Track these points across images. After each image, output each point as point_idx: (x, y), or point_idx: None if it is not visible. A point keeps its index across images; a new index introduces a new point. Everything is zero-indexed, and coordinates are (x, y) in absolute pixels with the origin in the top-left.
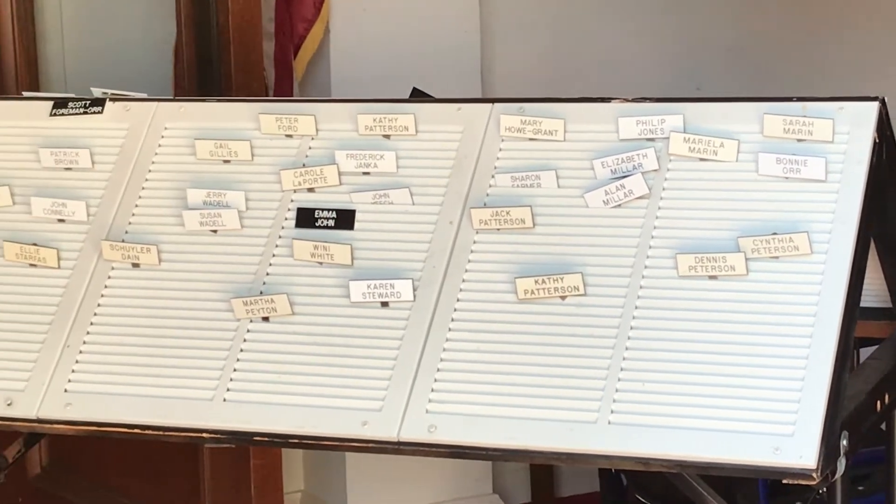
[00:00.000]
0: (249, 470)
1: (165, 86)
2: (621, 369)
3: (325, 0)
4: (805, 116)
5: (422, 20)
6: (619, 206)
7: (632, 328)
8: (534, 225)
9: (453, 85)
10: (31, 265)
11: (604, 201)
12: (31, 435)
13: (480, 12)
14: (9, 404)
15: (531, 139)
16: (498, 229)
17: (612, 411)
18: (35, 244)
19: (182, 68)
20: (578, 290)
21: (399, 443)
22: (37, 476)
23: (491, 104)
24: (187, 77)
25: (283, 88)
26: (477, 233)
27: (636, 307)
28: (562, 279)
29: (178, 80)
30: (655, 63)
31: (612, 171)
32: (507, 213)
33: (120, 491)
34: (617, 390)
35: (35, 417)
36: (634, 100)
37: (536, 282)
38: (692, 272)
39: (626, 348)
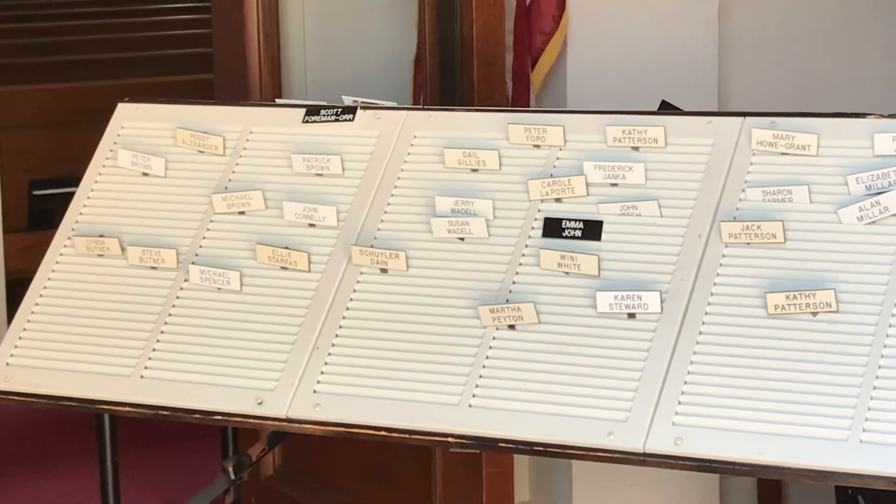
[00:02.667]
0: (482, 478)
1: (402, 96)
2: (874, 387)
3: (564, 13)
4: None
5: (660, 33)
6: (874, 222)
7: (885, 346)
8: (785, 240)
9: (690, 98)
10: (283, 268)
11: (858, 217)
12: (274, 435)
13: (719, 26)
14: (259, 403)
15: (783, 153)
16: (748, 243)
17: (863, 430)
18: (287, 248)
19: (422, 79)
20: (830, 306)
21: (644, 454)
22: (269, 477)
23: (742, 118)
24: (429, 88)
25: (520, 100)
26: (726, 246)
27: (890, 325)
28: (813, 295)
29: (417, 91)
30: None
31: (866, 187)
32: (758, 227)
33: (350, 494)
34: (869, 408)
35: (285, 417)
36: (890, 115)
37: (787, 297)
38: None
39: (880, 366)
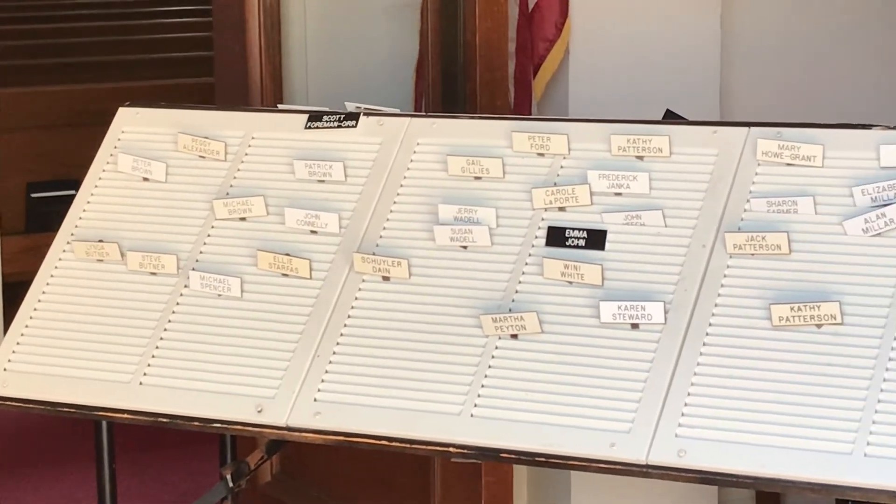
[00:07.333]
0: (481, 487)
1: (403, 103)
2: (879, 401)
3: (567, 21)
4: None
5: (662, 42)
6: (879, 234)
7: (890, 359)
8: (790, 251)
9: (692, 107)
10: (284, 275)
11: (863, 229)
12: (273, 442)
13: (722, 36)
14: (259, 411)
15: (788, 164)
16: (752, 254)
17: (868, 443)
18: (288, 254)
19: (424, 86)
20: (835, 318)
21: (647, 466)
22: (266, 484)
23: (747, 128)
24: (432, 95)
25: (522, 108)
26: (731, 257)
27: (895, 338)
28: (818, 307)
29: (418, 98)
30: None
31: (872, 199)
32: (763, 238)
33: (348, 502)
34: (874, 422)
35: (285, 425)
36: None
37: (792, 309)
38: None
39: (884, 379)
